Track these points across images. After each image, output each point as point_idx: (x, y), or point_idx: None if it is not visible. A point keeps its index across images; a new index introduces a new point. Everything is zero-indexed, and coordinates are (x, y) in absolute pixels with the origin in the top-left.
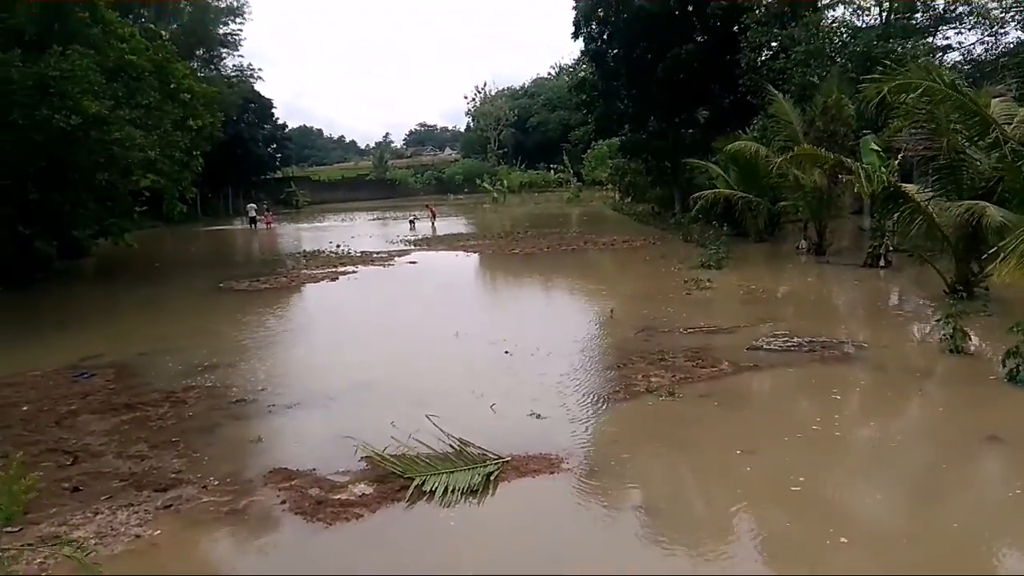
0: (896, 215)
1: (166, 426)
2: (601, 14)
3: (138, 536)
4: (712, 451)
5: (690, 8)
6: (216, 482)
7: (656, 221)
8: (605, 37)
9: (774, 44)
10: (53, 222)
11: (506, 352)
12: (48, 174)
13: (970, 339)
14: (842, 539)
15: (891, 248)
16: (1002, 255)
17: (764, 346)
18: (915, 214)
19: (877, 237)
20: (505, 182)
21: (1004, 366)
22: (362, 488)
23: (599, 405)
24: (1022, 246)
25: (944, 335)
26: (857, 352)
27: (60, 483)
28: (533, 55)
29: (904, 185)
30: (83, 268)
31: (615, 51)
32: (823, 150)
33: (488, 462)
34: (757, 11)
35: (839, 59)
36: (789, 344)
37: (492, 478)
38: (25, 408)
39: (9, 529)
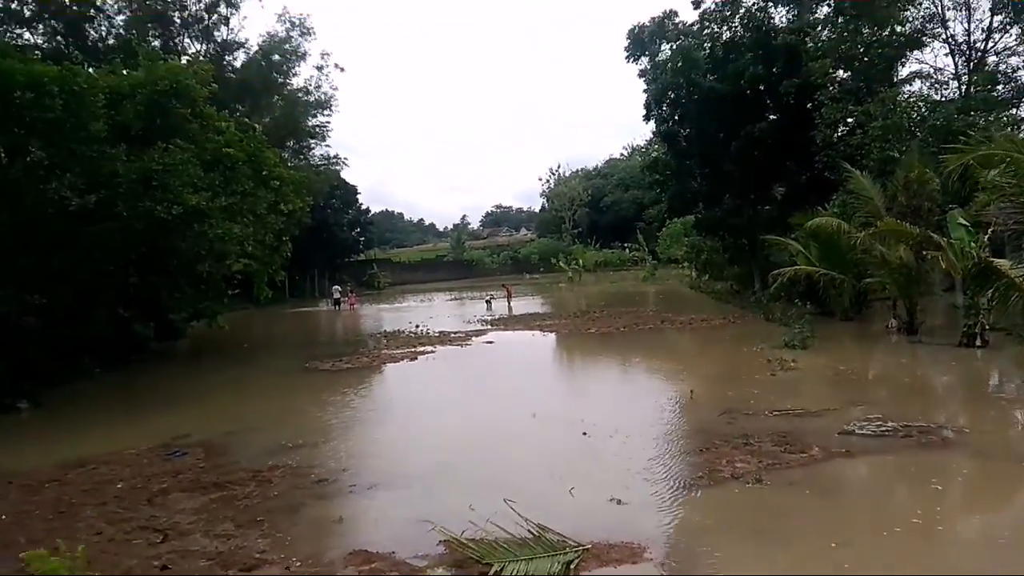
0: (990, 292)
1: (252, 505)
2: (672, 96)
3: None
4: (804, 543)
5: (761, 88)
6: (298, 563)
7: (735, 299)
8: (676, 118)
9: (850, 120)
10: (151, 305)
11: (584, 434)
12: (148, 260)
13: None
14: None
15: (987, 327)
16: None
17: (857, 431)
18: (1010, 290)
19: (971, 315)
20: (580, 261)
21: None
22: (440, 573)
23: (682, 491)
24: None
25: None
26: (957, 437)
27: (150, 560)
28: (605, 137)
29: (996, 261)
30: (177, 349)
31: (687, 131)
32: (908, 225)
33: (568, 549)
34: (831, 88)
35: (919, 133)
36: (883, 429)
37: (572, 566)
38: (120, 485)
39: None
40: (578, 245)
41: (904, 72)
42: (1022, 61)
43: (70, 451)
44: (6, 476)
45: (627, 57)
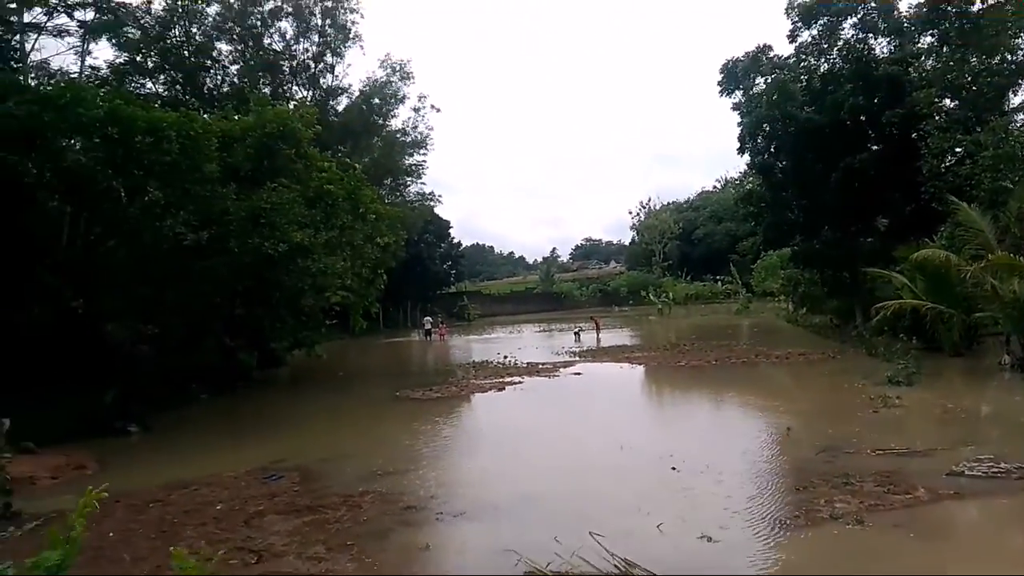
0: None
1: (343, 529)
2: (767, 128)
3: None
4: None
5: (862, 118)
6: None
7: (834, 333)
8: (772, 150)
9: (958, 150)
10: (255, 335)
11: (673, 468)
12: (253, 292)
13: None
14: None
15: None
16: None
17: (966, 472)
18: None
19: None
20: (670, 293)
21: None
22: None
23: (777, 531)
24: None
25: None
26: None
27: None
28: (696, 170)
29: None
30: (278, 377)
31: (783, 163)
32: (1022, 258)
33: None
34: (937, 118)
35: None
36: (996, 471)
37: None
38: (219, 507)
39: None
40: (668, 278)
41: (1016, 101)
42: None
43: (174, 473)
44: (114, 496)
45: (721, 91)
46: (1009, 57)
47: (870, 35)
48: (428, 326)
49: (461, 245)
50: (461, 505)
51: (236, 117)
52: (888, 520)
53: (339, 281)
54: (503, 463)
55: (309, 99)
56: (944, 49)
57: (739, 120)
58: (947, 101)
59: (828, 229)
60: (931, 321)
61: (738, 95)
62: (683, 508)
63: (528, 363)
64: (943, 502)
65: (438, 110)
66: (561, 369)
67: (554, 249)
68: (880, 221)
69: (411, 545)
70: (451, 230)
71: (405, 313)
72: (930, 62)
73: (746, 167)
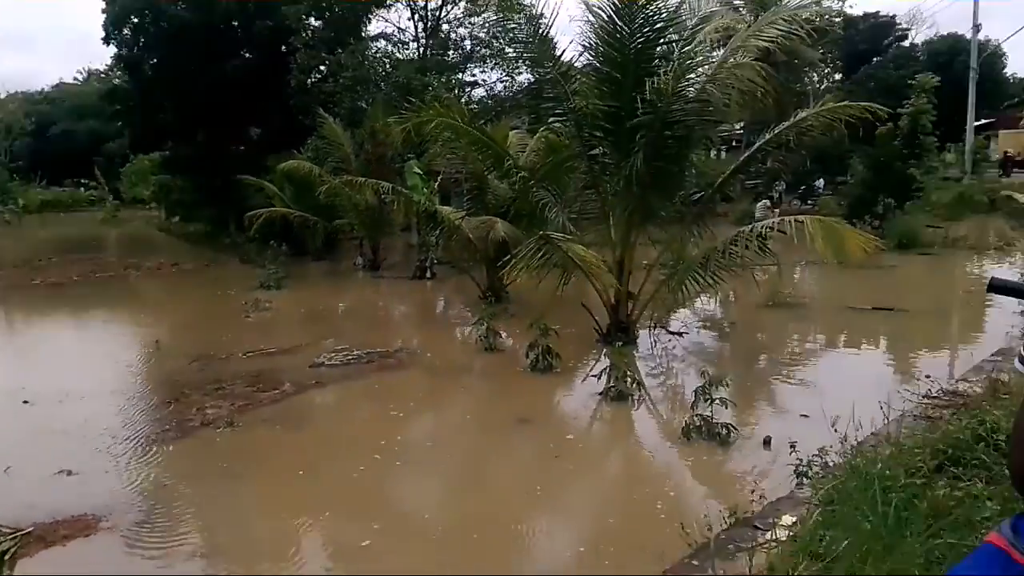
0: (438, 232)
1: None
2: (136, 20)
3: None
4: (272, 477)
5: (235, 23)
6: None
7: (209, 242)
8: (142, 44)
9: (323, 68)
10: None
11: (25, 402)
12: None
13: (500, 337)
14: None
15: (435, 261)
16: (513, 263)
17: (326, 362)
18: (452, 231)
19: (423, 251)
20: (21, 201)
21: (527, 358)
22: None
23: (148, 448)
24: (525, 256)
25: (480, 336)
26: (410, 358)
27: None
28: (54, 56)
29: (441, 207)
30: None
31: (154, 60)
32: (371, 174)
33: (2, 539)
34: (304, 34)
35: (384, 87)
36: (350, 357)
37: (8, 557)
38: None
39: None
40: (16, 182)
41: (372, 28)
42: (467, 32)
43: None
44: None
45: None
46: None
47: None
48: None
49: None
50: None
51: None
52: (258, 417)
53: None
54: None
55: None
56: None
57: (104, 5)
58: (314, 20)
59: (203, 135)
60: (298, 228)
61: None
62: (37, 444)
63: None
64: (307, 392)
65: None
66: None
67: None
68: (254, 130)
69: None
70: None
71: None
72: None
73: (112, 60)
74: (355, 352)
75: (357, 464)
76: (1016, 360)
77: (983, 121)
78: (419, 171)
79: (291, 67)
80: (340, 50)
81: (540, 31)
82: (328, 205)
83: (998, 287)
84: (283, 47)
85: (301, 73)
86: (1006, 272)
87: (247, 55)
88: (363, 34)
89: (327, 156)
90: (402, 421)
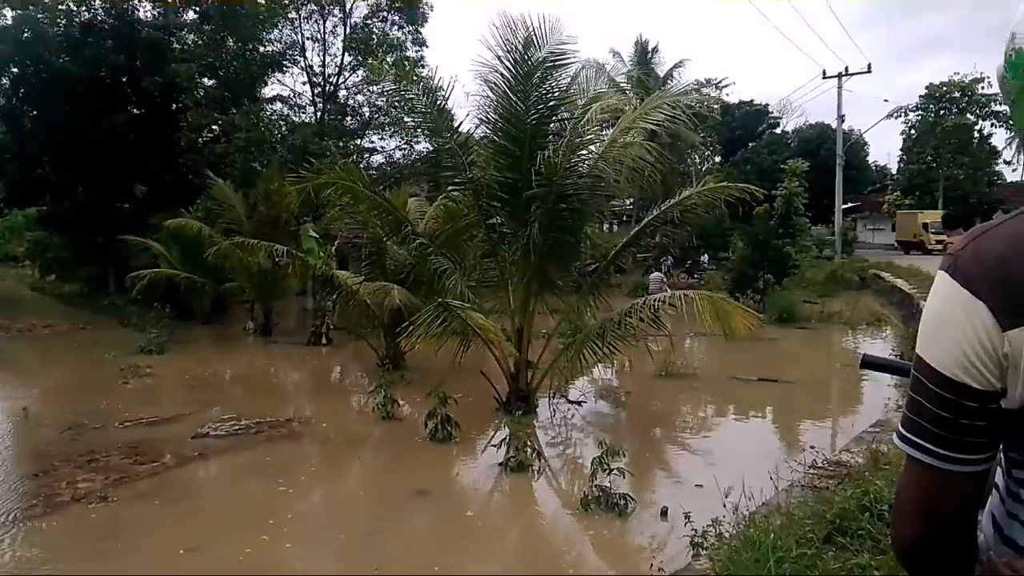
0: (334, 296)
1: None
2: (16, 70)
3: None
4: (152, 555)
5: (123, 79)
6: None
7: (87, 303)
8: (21, 94)
9: (215, 128)
10: None
11: None
12: None
13: (399, 405)
14: None
15: (332, 327)
16: (411, 330)
17: (211, 432)
18: (349, 296)
19: (319, 317)
20: None
21: (426, 427)
22: None
23: (8, 527)
24: (424, 323)
25: (377, 404)
26: (303, 428)
27: None
28: None
29: (338, 271)
30: None
31: (34, 112)
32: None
33: None
34: (197, 93)
35: (279, 149)
36: (237, 428)
37: None
38: None
39: None
40: None
41: (268, 91)
42: (365, 100)
43: None
44: None
45: None
46: (262, 49)
47: None
48: None
49: None
50: None
51: None
52: (135, 491)
53: None
54: None
55: None
56: (205, 27)
57: None
58: (207, 79)
59: (84, 191)
60: (185, 290)
61: None
62: None
63: None
64: (189, 465)
65: None
66: None
67: None
68: (139, 188)
69: None
70: None
71: None
72: (192, 37)
73: None
74: (243, 422)
75: (243, 545)
76: (895, 436)
77: (849, 204)
78: (315, 234)
79: (181, 125)
80: (234, 110)
81: (438, 103)
82: (218, 267)
83: (869, 363)
84: (173, 105)
85: (192, 132)
86: (878, 347)
87: (135, 111)
88: (258, 95)
89: (218, 217)
90: (293, 496)
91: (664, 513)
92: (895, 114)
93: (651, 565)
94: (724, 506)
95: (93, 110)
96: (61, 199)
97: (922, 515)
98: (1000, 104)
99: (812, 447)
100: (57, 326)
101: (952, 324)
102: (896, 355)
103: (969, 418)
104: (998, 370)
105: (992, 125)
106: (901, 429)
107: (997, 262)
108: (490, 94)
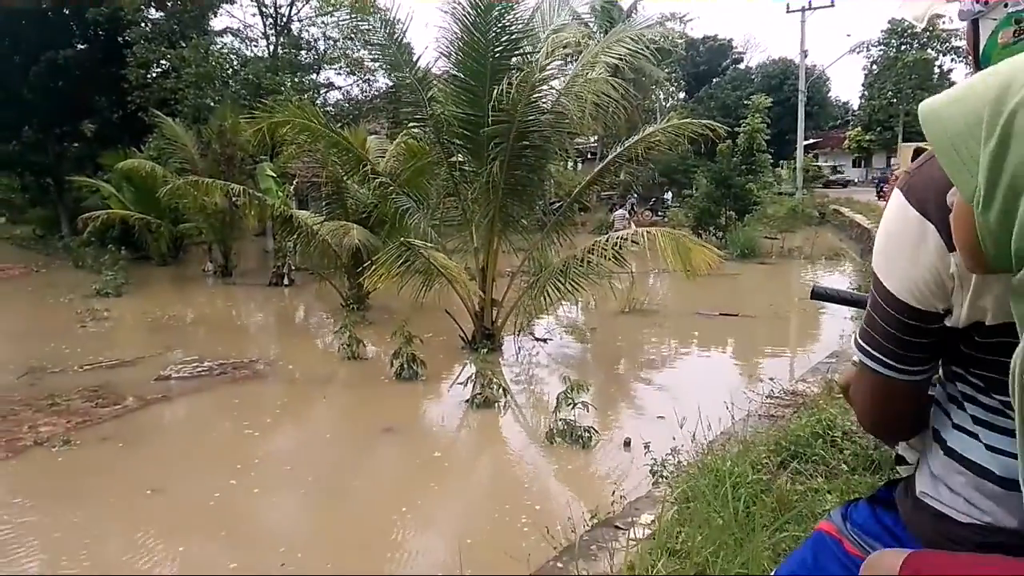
0: (295, 237)
1: None
2: None
3: None
4: (116, 497)
5: (66, 12)
6: None
7: (39, 246)
8: None
9: (164, 63)
10: None
11: None
12: None
13: (364, 345)
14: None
15: (293, 267)
16: (373, 270)
17: (173, 375)
18: (310, 236)
19: (280, 258)
20: None
21: (392, 366)
22: None
23: None
24: (386, 263)
25: (342, 344)
26: (267, 368)
27: None
28: None
29: (298, 211)
30: None
31: None
32: (220, 175)
33: None
34: (143, 26)
35: (232, 85)
36: (199, 369)
37: None
38: None
39: None
40: None
41: (218, 23)
42: (320, 32)
43: None
44: None
45: None
46: None
47: None
48: None
49: None
50: None
51: None
52: (97, 435)
53: None
54: None
55: None
56: None
57: None
58: (154, 11)
59: (30, 130)
60: (140, 231)
61: None
62: None
63: None
64: (152, 407)
65: None
66: None
67: None
68: (87, 125)
69: None
70: None
71: None
72: None
73: None
74: (206, 364)
75: (211, 488)
76: (852, 342)
77: (811, 140)
78: (272, 174)
79: (128, 61)
80: (183, 44)
81: (396, 35)
82: (173, 207)
83: (820, 295)
84: (120, 39)
85: (139, 67)
86: (836, 279)
87: (80, 45)
88: (207, 28)
89: (170, 156)
90: (259, 438)
91: (627, 444)
92: (857, 49)
93: (613, 492)
94: (682, 436)
95: (35, 44)
96: (7, 139)
97: (875, 411)
98: (960, 39)
99: (770, 378)
100: (10, 269)
101: (903, 246)
102: (853, 288)
103: (914, 336)
104: (944, 292)
105: (952, 60)
106: (857, 337)
107: (948, 184)
108: (451, 26)
